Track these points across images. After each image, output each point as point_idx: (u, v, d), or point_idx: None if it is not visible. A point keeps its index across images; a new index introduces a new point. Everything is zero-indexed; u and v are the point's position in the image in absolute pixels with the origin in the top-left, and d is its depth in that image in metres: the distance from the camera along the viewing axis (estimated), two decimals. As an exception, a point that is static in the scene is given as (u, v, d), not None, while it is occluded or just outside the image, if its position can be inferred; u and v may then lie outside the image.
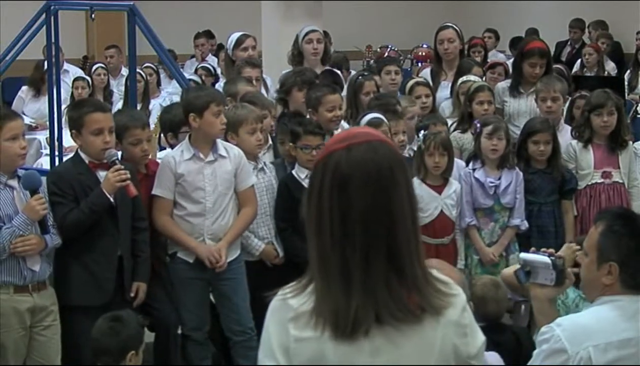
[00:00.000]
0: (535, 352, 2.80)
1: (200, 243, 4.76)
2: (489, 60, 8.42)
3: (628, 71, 10.20)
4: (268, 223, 5.10)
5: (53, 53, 6.14)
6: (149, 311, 4.70)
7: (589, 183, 5.62)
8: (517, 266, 3.35)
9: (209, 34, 12.25)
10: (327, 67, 6.70)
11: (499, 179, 5.37)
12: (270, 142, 5.46)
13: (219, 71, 9.99)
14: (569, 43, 12.10)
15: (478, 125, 5.45)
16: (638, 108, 9.12)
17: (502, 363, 3.66)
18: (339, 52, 9.82)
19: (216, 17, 12.73)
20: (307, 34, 6.76)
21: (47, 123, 6.44)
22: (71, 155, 4.74)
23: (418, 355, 2.02)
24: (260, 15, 8.35)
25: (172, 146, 5.17)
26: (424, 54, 10.32)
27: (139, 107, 7.52)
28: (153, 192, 4.75)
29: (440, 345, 2.03)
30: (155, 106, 8.65)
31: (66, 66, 9.61)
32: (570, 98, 6.59)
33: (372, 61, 11.19)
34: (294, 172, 5.11)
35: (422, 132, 5.38)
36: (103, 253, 4.45)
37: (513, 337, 4.20)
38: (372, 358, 2.00)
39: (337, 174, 2.02)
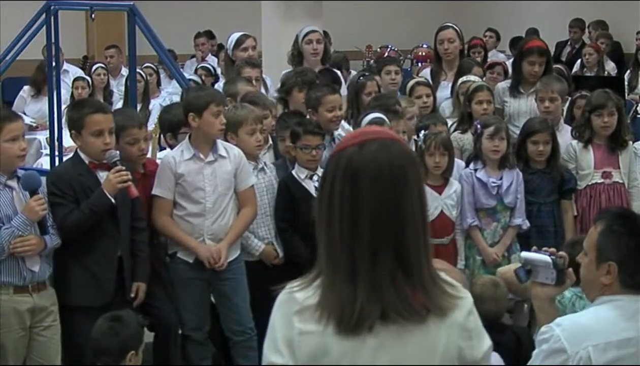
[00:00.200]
0: (534, 352, 2.80)
1: (200, 243, 4.76)
2: (489, 60, 8.42)
3: (628, 71, 10.20)
4: (268, 223, 5.10)
5: (53, 53, 6.14)
6: (149, 311, 4.70)
7: (589, 183, 5.62)
8: (515, 264, 3.35)
9: (209, 34, 12.25)
10: (327, 68, 6.68)
11: (501, 179, 5.37)
12: (270, 142, 5.46)
13: (219, 71, 10.00)
14: (569, 43, 12.10)
15: (478, 126, 5.45)
16: (638, 108, 9.12)
17: (502, 363, 3.66)
18: (339, 52, 9.83)
19: (216, 17, 12.73)
20: (307, 34, 6.76)
21: (48, 123, 6.44)
22: (71, 155, 4.73)
23: (421, 355, 2.02)
24: (260, 15, 8.35)
25: (171, 147, 5.16)
26: (424, 54, 10.34)
27: (139, 107, 7.52)
28: (153, 192, 4.75)
29: (444, 346, 2.03)
30: (155, 106, 8.65)
31: (66, 65, 9.61)
32: (570, 98, 6.59)
33: (372, 61, 11.19)
34: (293, 172, 5.11)
35: (423, 132, 5.38)
36: (103, 254, 4.45)
37: (513, 337, 4.20)
38: (375, 354, 2.01)
39: (348, 169, 2.03)
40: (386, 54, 11.06)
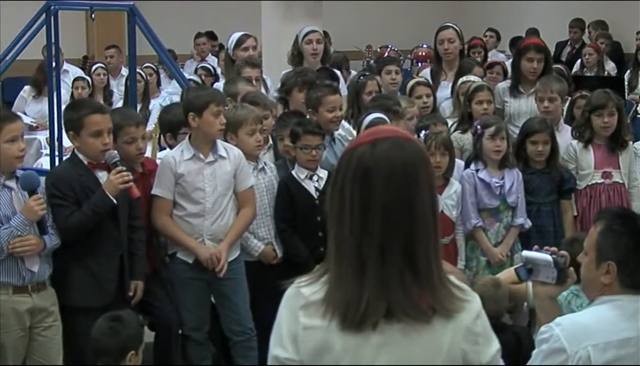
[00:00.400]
0: (534, 352, 2.80)
1: (200, 243, 4.76)
2: (489, 60, 8.43)
3: (628, 71, 10.20)
4: (268, 224, 5.10)
5: (53, 53, 6.14)
6: (149, 310, 4.70)
7: (589, 183, 5.62)
8: (508, 271, 3.37)
9: (211, 35, 12.26)
10: (326, 67, 6.67)
11: (502, 179, 5.37)
12: (271, 142, 5.45)
13: (219, 71, 10.00)
14: (569, 43, 12.10)
15: (478, 127, 5.45)
16: (638, 108, 9.13)
17: (502, 363, 3.65)
18: (339, 52, 9.83)
19: (216, 17, 12.73)
20: (306, 34, 6.76)
21: (48, 123, 6.45)
22: (68, 156, 4.72)
23: (424, 355, 2.02)
24: (260, 15, 8.35)
25: (171, 147, 5.16)
26: (424, 54, 10.34)
27: (139, 107, 7.53)
28: (153, 192, 4.75)
29: (448, 347, 2.03)
30: (155, 106, 8.65)
31: (66, 65, 9.61)
32: (570, 98, 6.60)
33: (372, 61, 11.19)
34: (293, 172, 5.11)
35: (423, 132, 5.38)
36: (104, 254, 4.45)
37: (513, 337, 4.20)
38: (377, 352, 2.01)
39: (360, 167, 2.04)
40: (386, 54, 11.06)
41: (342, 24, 12.38)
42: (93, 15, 6.16)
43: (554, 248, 3.20)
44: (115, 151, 4.48)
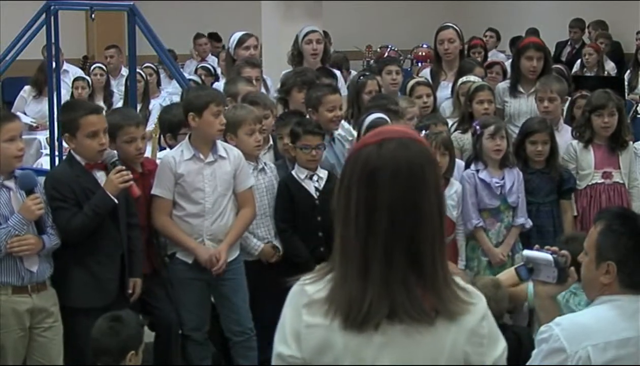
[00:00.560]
0: (534, 352, 2.80)
1: (200, 243, 4.75)
2: (489, 60, 8.43)
3: (628, 71, 10.20)
4: (268, 224, 5.09)
5: (53, 53, 6.14)
6: (149, 310, 4.70)
7: (590, 183, 5.62)
8: (510, 270, 3.37)
9: (215, 37, 12.27)
10: (325, 67, 6.67)
11: (503, 178, 5.37)
12: (271, 142, 5.45)
13: (218, 71, 10.00)
14: (569, 43, 12.10)
15: (477, 127, 5.45)
16: (638, 108, 9.13)
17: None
18: (339, 52, 9.83)
19: (216, 17, 12.74)
20: (306, 34, 6.76)
21: (48, 123, 6.45)
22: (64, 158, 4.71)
23: (426, 356, 2.02)
24: (260, 15, 8.35)
25: (171, 147, 5.16)
26: (424, 54, 10.34)
27: (139, 107, 7.53)
28: (153, 192, 4.74)
29: (449, 349, 2.02)
30: (155, 106, 8.66)
31: (66, 65, 9.61)
32: (570, 98, 6.60)
33: (372, 61, 11.19)
34: (293, 172, 5.11)
35: (423, 132, 5.37)
36: (105, 254, 4.44)
37: (513, 337, 4.19)
38: (379, 352, 2.01)
39: (367, 167, 2.03)
40: (386, 54, 11.06)
41: (342, 24, 12.38)
42: (93, 15, 6.16)
43: (554, 248, 3.20)
44: (114, 151, 4.48)
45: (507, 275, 4.12)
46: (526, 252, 3.28)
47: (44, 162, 7.22)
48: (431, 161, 2.07)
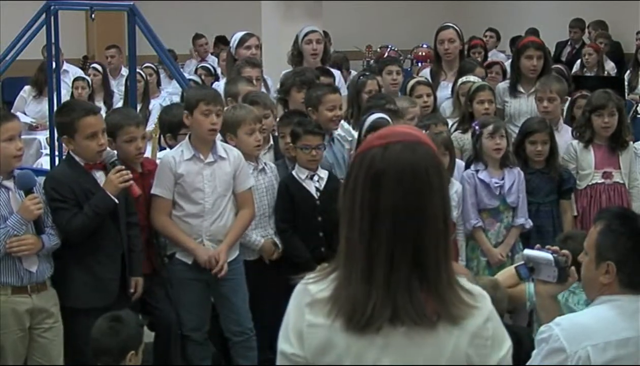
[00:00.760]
0: (534, 352, 2.80)
1: (199, 244, 4.75)
2: (489, 60, 8.43)
3: (628, 71, 10.20)
4: (267, 224, 5.08)
5: (53, 53, 6.14)
6: (149, 310, 4.70)
7: (590, 183, 5.62)
8: (510, 270, 3.37)
9: (223, 40, 12.24)
10: (322, 66, 6.67)
11: (502, 179, 5.37)
12: (271, 142, 5.45)
13: (218, 71, 10.01)
14: (569, 43, 12.10)
15: (476, 127, 5.45)
16: (638, 108, 9.13)
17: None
18: (339, 52, 9.83)
19: (216, 17, 12.74)
20: (306, 34, 6.76)
21: (48, 123, 6.45)
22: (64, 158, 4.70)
23: (426, 359, 2.01)
24: (260, 15, 8.35)
25: (171, 147, 5.15)
26: (424, 54, 10.33)
27: (139, 107, 7.53)
28: (152, 191, 4.74)
29: (451, 352, 2.02)
30: (155, 106, 8.66)
31: (66, 66, 9.61)
32: (570, 98, 6.60)
33: (372, 61, 11.19)
34: (294, 172, 5.11)
35: (423, 132, 5.36)
36: (106, 254, 4.44)
37: (513, 337, 4.19)
38: (380, 354, 2.01)
39: (371, 169, 2.03)
40: (386, 54, 11.05)
41: (342, 24, 12.38)
42: (93, 15, 6.16)
43: (555, 247, 3.20)
44: (114, 151, 4.48)
45: (505, 275, 4.11)
46: (526, 251, 3.28)
47: (44, 162, 7.22)
48: (436, 164, 2.06)
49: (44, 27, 5.96)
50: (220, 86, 6.50)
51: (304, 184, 5.07)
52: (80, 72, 9.77)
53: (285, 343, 2.06)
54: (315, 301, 2.04)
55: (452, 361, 2.02)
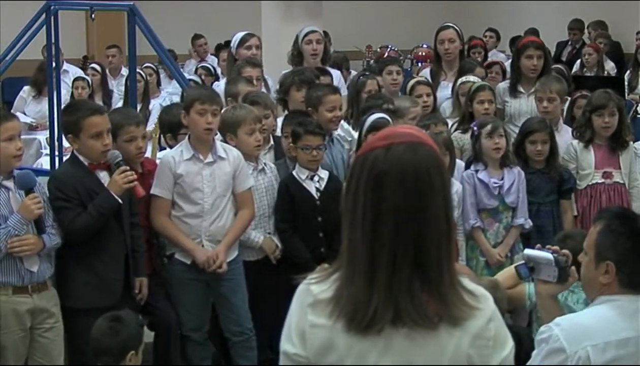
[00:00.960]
0: (534, 352, 2.80)
1: (198, 244, 4.75)
2: (489, 60, 8.43)
3: (628, 71, 10.20)
4: (267, 224, 5.08)
5: (53, 53, 6.13)
6: (149, 310, 4.70)
7: (590, 183, 5.62)
8: (509, 269, 3.37)
9: (224, 45, 12.25)
10: (320, 66, 6.67)
11: (502, 179, 5.37)
12: (272, 142, 5.44)
13: (218, 70, 10.00)
14: (569, 43, 12.10)
15: (475, 128, 5.45)
16: (638, 108, 9.12)
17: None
18: (339, 52, 9.83)
19: (216, 17, 12.74)
20: (306, 34, 6.76)
21: (48, 123, 6.44)
22: (67, 158, 4.70)
23: (427, 360, 2.01)
24: (260, 15, 8.35)
25: (171, 147, 5.15)
26: (424, 54, 10.33)
27: (139, 107, 7.52)
28: (152, 191, 4.73)
29: (452, 353, 2.02)
30: (155, 106, 8.66)
31: (66, 66, 9.61)
32: (570, 98, 6.60)
33: (372, 61, 11.19)
34: (294, 172, 5.10)
35: (424, 132, 5.36)
36: (109, 255, 4.44)
37: (513, 337, 4.19)
38: (381, 355, 2.01)
39: (374, 171, 2.03)
40: (386, 54, 11.06)
41: (342, 24, 12.38)
42: (93, 15, 6.15)
43: (555, 247, 3.21)
44: (118, 151, 4.48)
45: (505, 276, 4.11)
46: (527, 251, 3.29)
47: (44, 162, 7.22)
48: (438, 165, 2.06)
49: (44, 27, 5.96)
50: (220, 86, 6.50)
51: (304, 184, 5.06)
52: (80, 72, 9.77)
53: (288, 343, 2.06)
54: (318, 301, 2.04)
55: (453, 361, 2.02)
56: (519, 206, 5.39)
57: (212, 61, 11.53)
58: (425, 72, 7.08)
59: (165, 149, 5.69)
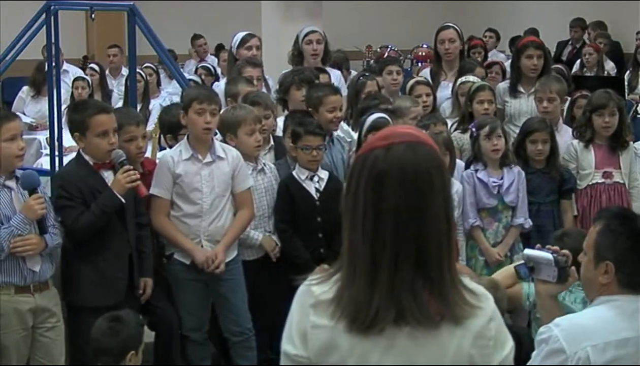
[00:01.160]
0: (534, 353, 2.80)
1: (197, 244, 4.75)
2: (489, 60, 8.43)
3: (628, 71, 10.20)
4: (267, 225, 5.07)
5: (53, 53, 6.13)
6: (150, 310, 4.70)
7: (590, 183, 5.62)
8: (507, 269, 3.37)
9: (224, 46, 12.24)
10: (319, 66, 6.67)
11: (501, 178, 5.37)
12: (272, 142, 5.44)
13: (218, 71, 10.00)
14: (569, 43, 12.10)
15: (473, 129, 5.45)
16: (638, 108, 9.12)
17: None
18: (341, 51, 9.82)
19: (216, 17, 12.74)
20: (307, 34, 6.76)
21: (47, 123, 6.44)
22: (73, 156, 4.71)
23: (429, 359, 2.02)
24: (260, 15, 8.35)
25: (171, 147, 5.15)
26: (424, 54, 10.34)
27: (139, 107, 7.52)
28: (151, 191, 4.72)
29: (453, 353, 2.02)
30: (155, 106, 8.66)
31: (66, 65, 9.62)
32: (570, 98, 6.60)
33: (372, 61, 11.19)
34: (294, 173, 5.10)
35: (424, 132, 5.36)
36: (114, 253, 4.46)
37: (513, 337, 4.19)
38: (383, 354, 2.01)
39: (374, 170, 2.03)
40: (386, 54, 11.06)
41: (342, 24, 12.38)
42: (93, 15, 6.15)
43: (555, 247, 3.21)
44: (122, 151, 4.49)
45: (503, 275, 4.11)
46: (527, 251, 3.29)
47: (44, 162, 7.22)
48: (438, 164, 2.06)
49: (44, 27, 5.95)
50: (220, 86, 6.50)
51: (303, 184, 5.06)
52: (80, 72, 9.77)
53: (289, 344, 2.06)
54: (319, 302, 2.04)
55: (455, 361, 2.02)
56: (519, 205, 5.39)
57: (212, 61, 11.54)
58: (425, 72, 7.08)
59: (165, 149, 5.69)
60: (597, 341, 2.73)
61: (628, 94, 9.42)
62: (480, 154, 5.40)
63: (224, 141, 4.96)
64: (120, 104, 8.62)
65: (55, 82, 6.41)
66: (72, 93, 8.69)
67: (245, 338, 4.88)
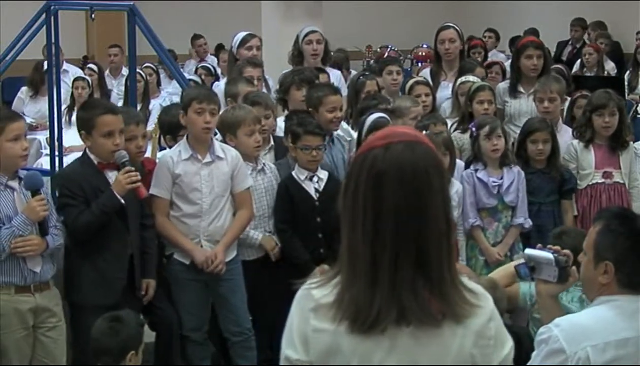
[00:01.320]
0: (534, 353, 2.80)
1: (196, 244, 4.75)
2: (489, 60, 8.43)
3: (628, 71, 10.20)
4: (266, 225, 5.07)
5: (53, 53, 6.13)
6: (150, 310, 4.70)
7: (590, 183, 5.62)
8: (504, 268, 3.37)
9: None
10: (319, 66, 6.67)
11: (501, 178, 5.38)
12: (272, 142, 5.44)
13: (218, 71, 10.00)
14: (569, 43, 12.10)
15: (473, 129, 5.45)
16: (638, 108, 9.13)
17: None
18: (342, 50, 9.82)
19: (216, 17, 12.74)
20: (307, 35, 6.76)
21: (47, 123, 6.44)
22: (78, 156, 4.72)
23: (432, 359, 2.02)
24: (260, 15, 8.35)
25: (171, 148, 5.15)
26: (424, 54, 10.34)
27: (139, 107, 7.52)
28: (150, 191, 4.72)
29: (456, 352, 2.02)
30: (155, 106, 8.66)
31: (66, 65, 9.61)
32: (570, 98, 6.60)
33: (372, 61, 11.19)
34: (293, 173, 5.09)
35: (423, 132, 5.37)
36: (114, 253, 4.46)
37: (513, 337, 4.19)
38: (386, 355, 2.01)
39: (373, 171, 2.03)
40: (386, 54, 11.06)
41: (342, 24, 12.38)
42: (93, 15, 6.15)
43: (556, 247, 3.21)
44: (125, 151, 4.49)
45: (500, 274, 4.11)
46: (527, 251, 3.29)
47: (44, 162, 7.22)
48: (437, 164, 2.07)
49: (44, 27, 5.95)
50: (220, 86, 6.50)
51: (303, 185, 5.06)
52: (80, 72, 9.77)
53: (290, 349, 2.06)
54: (320, 306, 2.04)
55: (457, 361, 2.03)
56: (519, 205, 5.39)
57: (212, 61, 11.54)
58: (425, 72, 7.08)
59: (165, 149, 5.69)
60: (597, 341, 2.73)
61: (628, 94, 9.42)
62: (480, 154, 5.40)
63: (223, 141, 4.96)
64: (120, 104, 8.61)
65: (55, 82, 6.41)
66: (72, 93, 8.69)
67: (245, 338, 4.88)
